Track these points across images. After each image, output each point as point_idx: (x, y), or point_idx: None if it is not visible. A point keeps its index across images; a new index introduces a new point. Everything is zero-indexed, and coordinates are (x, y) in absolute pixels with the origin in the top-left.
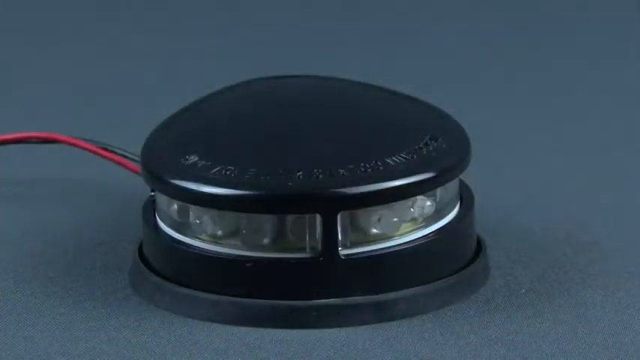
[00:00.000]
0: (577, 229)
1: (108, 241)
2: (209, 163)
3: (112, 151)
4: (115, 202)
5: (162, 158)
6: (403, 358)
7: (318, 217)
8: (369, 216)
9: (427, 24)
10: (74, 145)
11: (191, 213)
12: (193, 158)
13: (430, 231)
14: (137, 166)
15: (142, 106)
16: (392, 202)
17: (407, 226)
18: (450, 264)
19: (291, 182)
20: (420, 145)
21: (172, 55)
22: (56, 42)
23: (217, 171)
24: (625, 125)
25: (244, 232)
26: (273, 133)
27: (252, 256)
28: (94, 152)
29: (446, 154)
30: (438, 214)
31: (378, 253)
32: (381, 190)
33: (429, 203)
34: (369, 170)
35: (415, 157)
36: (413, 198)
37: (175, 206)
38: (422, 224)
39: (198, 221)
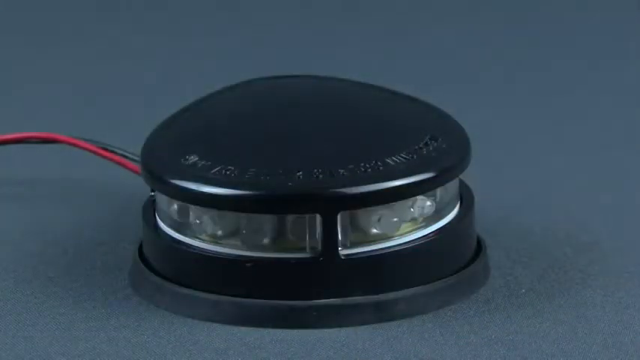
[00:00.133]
0: (577, 229)
1: (108, 241)
2: (209, 163)
3: (112, 151)
4: (115, 202)
5: (163, 158)
6: (403, 358)
7: (318, 217)
8: (369, 216)
9: (427, 24)
10: (74, 145)
11: (191, 213)
12: (193, 158)
13: (430, 231)
14: (137, 166)
15: (142, 106)
16: (392, 202)
17: (407, 226)
18: (450, 264)
19: (291, 182)
20: (420, 145)
21: (172, 55)
22: (56, 42)
23: (217, 171)
24: (625, 125)
25: (244, 232)
26: (273, 133)
27: (252, 256)
28: (94, 152)
29: (446, 154)
30: (438, 214)
31: (378, 253)
32: (381, 190)
33: (429, 203)
34: (369, 170)
35: (415, 157)
36: (413, 198)
37: (175, 206)
38: (422, 224)
39: (198, 221)
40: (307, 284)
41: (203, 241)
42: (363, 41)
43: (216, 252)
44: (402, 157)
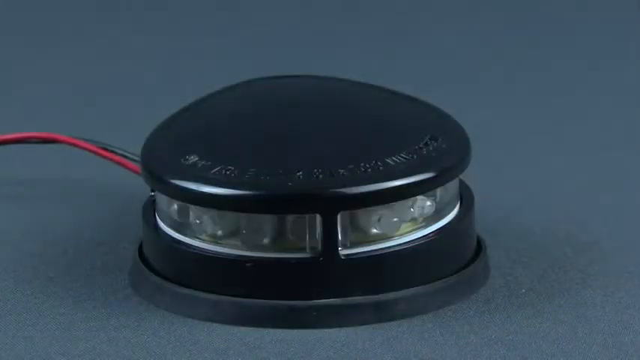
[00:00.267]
0: (577, 229)
1: (108, 241)
2: (209, 163)
3: (112, 151)
4: (115, 202)
5: (163, 158)
6: (403, 358)
7: (318, 217)
8: (369, 216)
9: (427, 24)
10: (74, 145)
11: (191, 213)
12: (193, 158)
13: (430, 231)
14: (137, 166)
15: (142, 106)
16: (392, 202)
17: (407, 226)
18: (450, 264)
19: (291, 182)
20: (420, 145)
21: (172, 55)
22: (56, 42)
23: (217, 171)
24: (625, 125)
25: (244, 232)
26: (273, 133)
27: (252, 256)
28: (94, 152)
29: (446, 154)
30: (438, 214)
31: (378, 253)
32: (381, 190)
33: (429, 203)
34: (369, 170)
35: (415, 157)
36: (413, 198)
37: (175, 206)
38: (422, 224)
39: (198, 221)
40: (307, 284)
41: (203, 241)
42: (363, 41)
43: (216, 252)
44: (402, 157)
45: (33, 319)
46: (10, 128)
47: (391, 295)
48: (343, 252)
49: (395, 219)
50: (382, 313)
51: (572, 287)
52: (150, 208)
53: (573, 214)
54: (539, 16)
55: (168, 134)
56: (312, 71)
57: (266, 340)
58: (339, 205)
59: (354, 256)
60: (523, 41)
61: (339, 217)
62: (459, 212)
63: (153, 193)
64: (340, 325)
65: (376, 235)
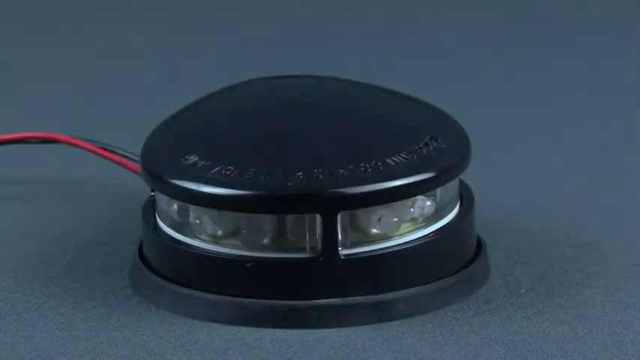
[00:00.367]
0: (577, 229)
1: (108, 241)
2: (209, 163)
3: (112, 151)
4: (115, 202)
5: (163, 158)
6: (403, 358)
7: (318, 217)
8: (369, 216)
9: (427, 24)
10: (74, 145)
11: (191, 213)
12: (193, 158)
13: (430, 231)
14: (137, 166)
15: (142, 106)
16: (392, 202)
17: (407, 226)
18: (450, 264)
19: (291, 182)
20: (420, 145)
21: (172, 55)
22: (56, 42)
23: (217, 171)
24: (625, 125)
25: (244, 232)
26: (273, 133)
27: (252, 256)
28: (94, 152)
29: (446, 154)
30: (438, 214)
31: (378, 253)
32: (381, 190)
33: (429, 203)
34: (369, 170)
35: (415, 157)
36: (413, 198)
37: (175, 206)
38: (422, 224)
39: (198, 221)
40: (307, 284)
41: (203, 241)
42: (363, 41)
43: (216, 252)
44: (402, 157)
45: (33, 319)
46: (10, 128)
47: (391, 295)
48: (343, 252)
49: (395, 219)
50: (382, 313)
51: (572, 287)
52: (150, 208)
53: (573, 214)
54: (539, 16)
55: (168, 134)
56: (312, 71)
57: (266, 340)
58: (339, 205)
59: (354, 256)
60: (523, 41)
61: (339, 217)
62: (459, 212)
63: (153, 193)
64: (340, 325)
65: (376, 235)
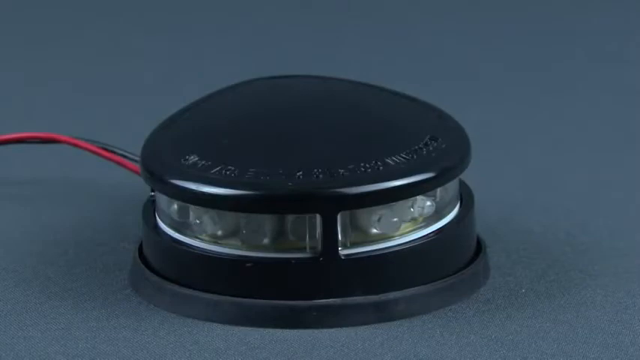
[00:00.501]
0: (577, 229)
1: (108, 241)
2: (209, 163)
3: (112, 151)
4: (115, 202)
5: (163, 158)
6: (403, 358)
7: (318, 217)
8: (369, 216)
9: (427, 24)
10: (74, 145)
11: (191, 213)
12: (193, 158)
13: (430, 231)
14: (137, 166)
15: (142, 106)
16: (392, 202)
17: (407, 226)
18: (450, 264)
19: (291, 182)
20: (420, 145)
21: (172, 55)
22: (56, 42)
23: (217, 171)
24: (625, 125)
25: (244, 232)
26: (273, 133)
27: (252, 256)
28: (94, 152)
29: (446, 154)
30: (438, 214)
31: (378, 253)
32: (381, 190)
33: (429, 203)
34: (369, 170)
35: (415, 157)
36: (413, 198)
37: (175, 206)
38: (422, 224)
39: (198, 221)
40: (307, 284)
41: (203, 241)
42: (363, 41)
43: (216, 252)
44: (402, 157)
45: (33, 319)
46: (10, 128)
47: (391, 295)
48: (343, 252)
49: (395, 219)
50: (382, 313)
51: (572, 287)
52: (150, 208)
53: (573, 214)
54: (539, 16)
55: (168, 134)
56: (312, 71)
57: (266, 340)
58: (339, 205)
59: (354, 256)
60: (523, 41)
61: (339, 217)
62: (459, 212)
63: (153, 193)
64: (340, 325)
65: (376, 235)
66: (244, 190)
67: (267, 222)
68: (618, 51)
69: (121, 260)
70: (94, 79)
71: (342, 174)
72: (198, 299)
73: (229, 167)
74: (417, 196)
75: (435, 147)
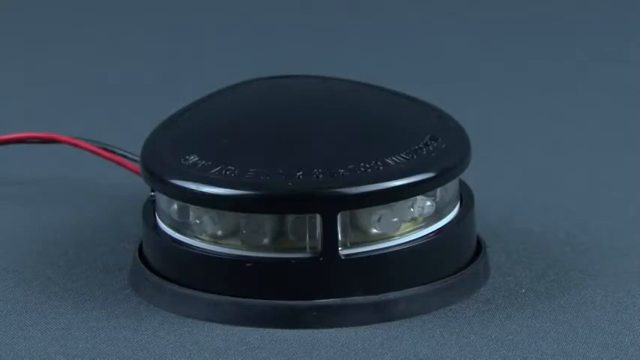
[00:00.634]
0: (577, 229)
1: (108, 241)
2: (209, 163)
3: (112, 151)
4: (115, 202)
5: (162, 158)
6: (403, 358)
7: (318, 217)
8: (369, 216)
9: (427, 24)
10: (74, 145)
11: (191, 213)
12: (193, 158)
13: (430, 231)
14: (137, 166)
15: (142, 106)
16: (392, 202)
17: (407, 226)
18: (450, 264)
19: (291, 182)
20: (420, 145)
21: (172, 55)
22: (56, 42)
23: (217, 171)
24: (625, 125)
25: (244, 232)
26: (273, 133)
27: (252, 256)
28: (94, 152)
29: (446, 154)
30: (438, 214)
31: (378, 253)
32: (381, 190)
33: (429, 203)
34: (369, 170)
35: (415, 157)
36: (413, 198)
37: (175, 206)
38: (422, 224)
39: (198, 221)
40: (307, 284)
41: (203, 241)
42: (363, 41)
43: (216, 252)
44: (402, 157)
45: (33, 319)
46: (10, 128)
47: (391, 295)
48: (343, 252)
49: (395, 219)
50: (382, 313)
51: (572, 287)
52: (150, 208)
53: (573, 214)
54: (539, 16)
55: (168, 134)
56: (312, 71)
57: (266, 340)
58: (339, 205)
59: (354, 256)
60: (523, 41)
61: (339, 217)
62: (459, 212)
63: (153, 193)
64: (340, 325)
65: (376, 235)
66: (244, 190)
67: (267, 222)
68: (618, 51)
69: (121, 260)
70: (94, 79)
71: (342, 174)
72: (198, 299)
73: (229, 167)
74: (417, 196)
75: (435, 147)
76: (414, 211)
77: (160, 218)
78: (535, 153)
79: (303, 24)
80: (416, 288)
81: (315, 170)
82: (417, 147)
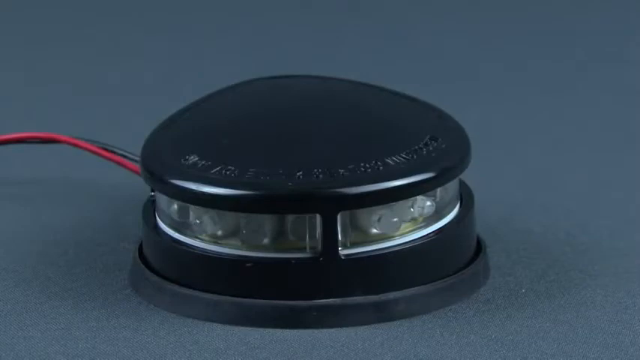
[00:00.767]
0: (577, 229)
1: (108, 241)
2: (209, 163)
3: (112, 151)
4: (115, 202)
5: (163, 158)
6: (403, 358)
7: (318, 217)
8: (369, 216)
9: (427, 24)
10: (74, 145)
11: (191, 213)
12: (193, 158)
13: (430, 231)
14: (137, 166)
15: (142, 106)
16: (392, 202)
17: (407, 226)
18: (450, 264)
19: (291, 182)
20: (420, 145)
21: (172, 55)
22: (56, 42)
23: (217, 171)
24: (625, 125)
25: (244, 232)
26: (273, 133)
27: (252, 256)
28: (94, 152)
29: (446, 154)
30: (438, 214)
31: (378, 253)
32: (381, 190)
33: (429, 203)
34: (369, 170)
35: (415, 157)
36: (413, 198)
37: (175, 206)
38: (422, 224)
39: (198, 221)
40: (307, 284)
41: (203, 241)
42: (363, 41)
43: (216, 252)
44: (402, 157)
45: (33, 319)
46: (10, 128)
47: (391, 295)
48: (343, 252)
49: (395, 219)
50: (382, 313)
51: (572, 287)
52: (150, 208)
53: (573, 214)
54: (539, 16)
55: (168, 134)
56: (312, 71)
57: (266, 340)
58: (339, 205)
59: (354, 256)
60: (523, 41)
61: (339, 217)
62: (459, 212)
63: (153, 193)
64: (340, 325)
65: (376, 235)
66: (244, 190)
67: (267, 222)
68: (618, 51)
69: (121, 260)
70: (94, 79)
71: (342, 174)
72: (198, 299)
73: (229, 167)
74: (417, 196)
75: (435, 147)
76: (414, 211)
77: (159, 218)
78: (535, 153)
79: (303, 24)
80: (416, 288)
81: (315, 170)
82: (417, 147)
